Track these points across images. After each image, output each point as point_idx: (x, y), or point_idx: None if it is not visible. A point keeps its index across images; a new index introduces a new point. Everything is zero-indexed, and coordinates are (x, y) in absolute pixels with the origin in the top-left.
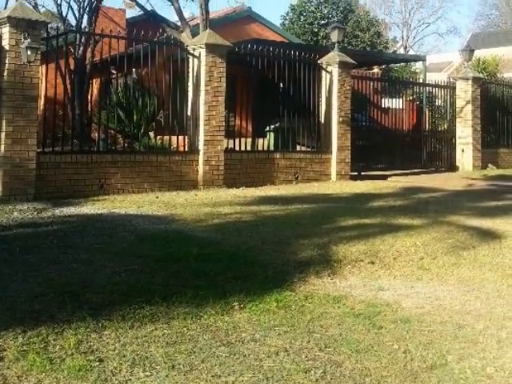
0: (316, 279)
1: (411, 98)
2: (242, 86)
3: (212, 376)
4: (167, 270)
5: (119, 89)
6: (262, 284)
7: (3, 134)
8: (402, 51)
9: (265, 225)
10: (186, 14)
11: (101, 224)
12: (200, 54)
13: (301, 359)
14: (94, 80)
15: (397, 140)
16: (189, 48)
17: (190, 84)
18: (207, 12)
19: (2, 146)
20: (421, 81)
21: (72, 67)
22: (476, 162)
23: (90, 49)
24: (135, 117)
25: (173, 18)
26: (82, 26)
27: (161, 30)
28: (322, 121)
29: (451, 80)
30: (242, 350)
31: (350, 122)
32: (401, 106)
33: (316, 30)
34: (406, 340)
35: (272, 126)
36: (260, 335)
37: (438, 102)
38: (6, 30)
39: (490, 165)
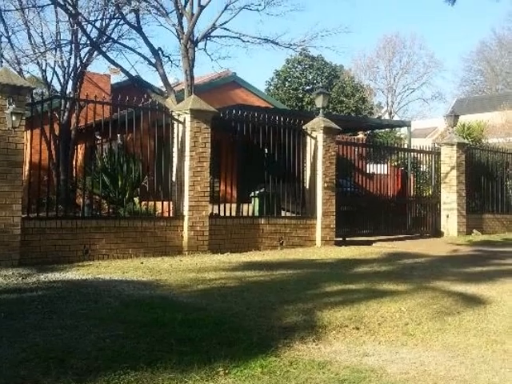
0: (301, 345)
1: (396, 163)
2: (226, 152)
3: None
4: (152, 336)
5: (104, 154)
6: (246, 349)
7: None
8: (386, 117)
9: (250, 290)
10: (171, 80)
11: (86, 290)
12: (185, 120)
13: None
14: (79, 145)
15: (382, 205)
16: (174, 113)
17: (175, 149)
18: (192, 77)
19: None
20: (406, 146)
21: (57, 133)
22: (461, 228)
23: (74, 114)
24: (120, 182)
25: (158, 83)
26: (67, 92)
27: (146, 96)
28: (307, 186)
29: (436, 145)
30: None
31: (334, 187)
32: (386, 172)
33: (301, 95)
34: None
35: (257, 192)
36: None
37: (423, 168)
38: None
39: (474, 230)
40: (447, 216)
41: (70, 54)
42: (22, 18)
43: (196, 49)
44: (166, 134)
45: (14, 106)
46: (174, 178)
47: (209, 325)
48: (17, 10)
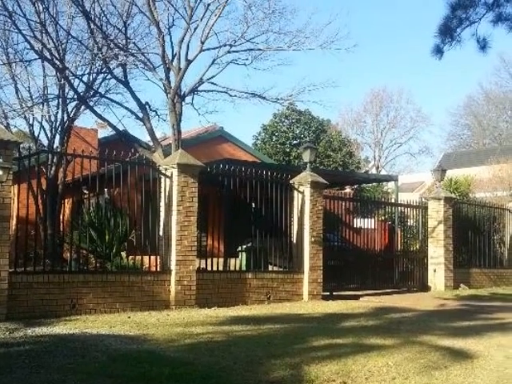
0: None
1: (383, 217)
2: (214, 206)
3: None
4: None
5: (91, 209)
6: None
7: None
8: (374, 171)
9: (237, 345)
10: (158, 134)
11: (73, 344)
12: (172, 174)
13: None
14: (66, 200)
15: (369, 260)
16: (161, 168)
17: (162, 204)
18: (179, 132)
19: None
20: (393, 200)
21: (44, 187)
22: (448, 282)
23: (61, 169)
24: (107, 237)
25: (145, 137)
26: (54, 146)
27: (133, 150)
28: (294, 240)
29: (423, 200)
30: None
31: (321, 241)
32: (373, 226)
33: (288, 149)
34: None
35: (244, 246)
36: None
37: (410, 222)
38: None
39: (462, 285)
40: (434, 270)
41: (58, 108)
42: (10, 73)
43: (183, 103)
44: (153, 189)
45: (1, 160)
46: (161, 233)
47: (196, 379)
48: (4, 64)
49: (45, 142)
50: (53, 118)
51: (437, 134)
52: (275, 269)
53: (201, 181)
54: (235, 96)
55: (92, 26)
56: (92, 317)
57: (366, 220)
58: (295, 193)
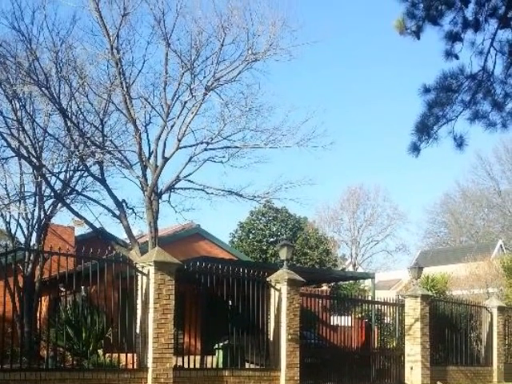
0: None
1: (360, 315)
2: (191, 303)
3: None
4: None
5: (68, 306)
6: None
7: None
8: (350, 269)
9: None
10: (135, 232)
11: None
12: (149, 272)
13: None
14: (43, 297)
15: (346, 357)
16: (138, 265)
17: (139, 301)
18: (156, 229)
19: None
20: (370, 298)
21: (21, 284)
22: (425, 380)
23: (38, 266)
24: (84, 334)
25: (122, 235)
26: (31, 244)
27: (110, 248)
28: (271, 338)
29: (400, 297)
30: None
31: (298, 339)
32: (350, 323)
33: (265, 247)
34: None
35: (221, 344)
36: None
37: (387, 320)
38: None
39: (438, 382)
40: (411, 368)
41: (34, 205)
42: None
43: (160, 201)
44: (130, 286)
45: None
46: (138, 330)
47: None
48: None
49: (22, 239)
50: (30, 216)
51: (414, 232)
52: (252, 366)
53: (178, 278)
54: (212, 194)
55: (69, 124)
56: None
57: (342, 317)
58: (272, 290)
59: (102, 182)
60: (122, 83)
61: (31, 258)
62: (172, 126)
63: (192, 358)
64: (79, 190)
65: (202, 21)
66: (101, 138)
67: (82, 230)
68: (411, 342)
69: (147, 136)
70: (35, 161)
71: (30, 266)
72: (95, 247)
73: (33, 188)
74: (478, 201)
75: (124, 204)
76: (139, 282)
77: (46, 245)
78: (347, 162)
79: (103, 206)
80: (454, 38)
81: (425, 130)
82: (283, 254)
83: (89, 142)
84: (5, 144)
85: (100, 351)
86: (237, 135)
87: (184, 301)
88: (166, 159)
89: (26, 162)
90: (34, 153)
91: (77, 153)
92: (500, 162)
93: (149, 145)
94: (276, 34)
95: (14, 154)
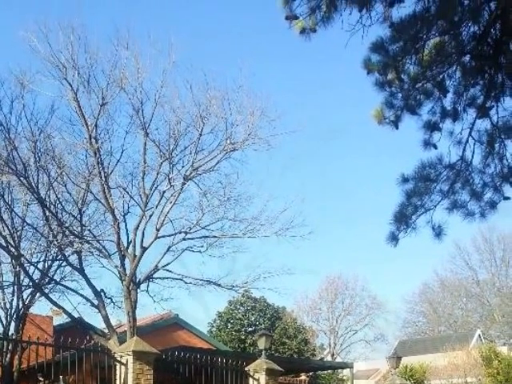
0: None
1: None
2: None
3: None
4: None
5: None
6: None
7: None
8: (329, 358)
9: None
10: (114, 321)
11: None
12: (127, 361)
13: None
14: None
15: None
16: (116, 355)
17: None
18: (134, 319)
19: None
20: None
21: None
22: None
23: (17, 356)
24: None
25: (100, 324)
26: (9, 333)
27: (88, 337)
28: None
29: None
30: None
31: None
32: None
33: (243, 336)
34: None
35: None
36: None
37: None
38: None
39: None
40: None
41: (13, 295)
42: None
43: (138, 290)
44: (108, 376)
45: None
46: None
47: None
48: None
49: (0, 329)
50: (8, 305)
51: (392, 321)
52: None
53: (156, 368)
54: (190, 283)
55: (47, 213)
56: None
57: None
58: (251, 380)
59: (81, 271)
60: (100, 173)
61: (9, 347)
62: (150, 216)
63: None
64: (58, 280)
65: (180, 110)
66: (79, 228)
67: (60, 319)
68: None
69: (125, 225)
70: (13, 250)
71: (9, 355)
72: (74, 337)
73: (11, 277)
74: (456, 290)
75: (102, 294)
76: (117, 372)
77: (25, 334)
78: (326, 251)
79: (81, 295)
80: (432, 127)
81: (403, 219)
82: (262, 343)
83: (67, 232)
84: None
85: None
86: (215, 225)
87: None
88: (144, 249)
89: (5, 252)
90: (12, 242)
91: (55, 242)
92: (478, 251)
93: (127, 234)
94: (254, 123)
95: None
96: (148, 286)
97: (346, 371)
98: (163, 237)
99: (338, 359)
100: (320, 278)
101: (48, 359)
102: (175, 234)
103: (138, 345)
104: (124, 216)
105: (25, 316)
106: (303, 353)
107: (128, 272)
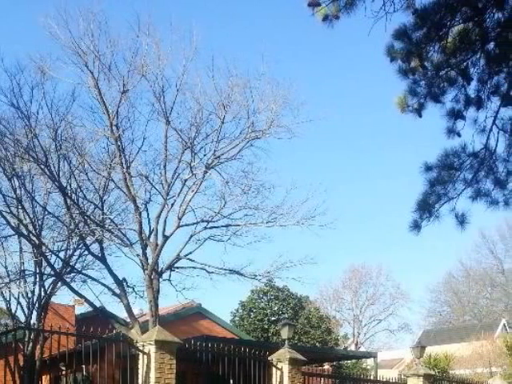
0: None
1: None
2: (192, 382)
3: None
4: None
5: None
6: None
7: None
8: (352, 348)
9: None
10: (136, 310)
11: None
12: (149, 351)
13: None
14: (44, 376)
15: None
16: (138, 344)
17: (140, 381)
18: (156, 308)
19: None
20: (372, 377)
21: (21, 363)
22: None
23: (39, 345)
24: None
25: (122, 313)
26: (31, 323)
27: (110, 326)
28: None
29: (402, 377)
30: None
31: None
32: None
33: (266, 326)
34: None
35: None
36: None
37: None
38: None
39: None
40: None
41: (34, 284)
42: None
43: (161, 279)
44: (130, 365)
45: None
46: None
47: None
48: None
49: (22, 318)
50: (30, 295)
51: (416, 311)
52: None
53: (179, 357)
54: (213, 272)
55: (68, 202)
56: None
57: None
58: (274, 369)
59: (102, 260)
60: (121, 161)
61: (31, 336)
62: (172, 205)
63: None
64: (79, 269)
65: (202, 98)
66: (101, 217)
67: (82, 308)
68: None
69: (147, 214)
70: (35, 239)
71: (31, 344)
72: (95, 326)
73: (33, 266)
74: (481, 280)
75: (124, 282)
76: (140, 361)
77: (47, 323)
78: (349, 240)
79: (103, 284)
80: (456, 115)
81: (426, 208)
82: (285, 333)
83: (88, 221)
84: (4, 222)
85: None
86: (237, 213)
87: (185, 380)
88: (166, 238)
89: (26, 241)
90: (33, 231)
91: (76, 231)
92: (503, 240)
93: (149, 223)
94: (277, 111)
95: (13, 233)
96: (170, 275)
97: (370, 361)
98: (185, 225)
99: (362, 349)
100: (344, 267)
101: (70, 349)
102: (197, 222)
103: (161, 334)
104: (146, 205)
105: (46, 305)
106: (327, 342)
107: (150, 261)
